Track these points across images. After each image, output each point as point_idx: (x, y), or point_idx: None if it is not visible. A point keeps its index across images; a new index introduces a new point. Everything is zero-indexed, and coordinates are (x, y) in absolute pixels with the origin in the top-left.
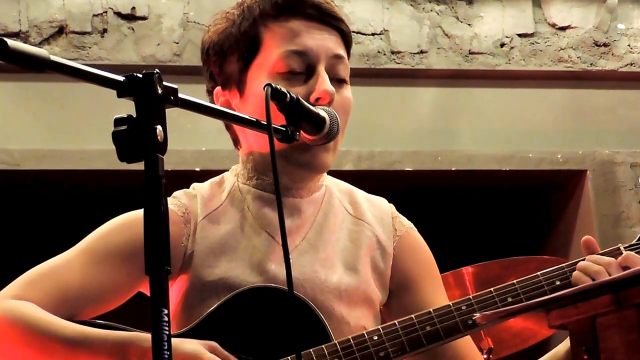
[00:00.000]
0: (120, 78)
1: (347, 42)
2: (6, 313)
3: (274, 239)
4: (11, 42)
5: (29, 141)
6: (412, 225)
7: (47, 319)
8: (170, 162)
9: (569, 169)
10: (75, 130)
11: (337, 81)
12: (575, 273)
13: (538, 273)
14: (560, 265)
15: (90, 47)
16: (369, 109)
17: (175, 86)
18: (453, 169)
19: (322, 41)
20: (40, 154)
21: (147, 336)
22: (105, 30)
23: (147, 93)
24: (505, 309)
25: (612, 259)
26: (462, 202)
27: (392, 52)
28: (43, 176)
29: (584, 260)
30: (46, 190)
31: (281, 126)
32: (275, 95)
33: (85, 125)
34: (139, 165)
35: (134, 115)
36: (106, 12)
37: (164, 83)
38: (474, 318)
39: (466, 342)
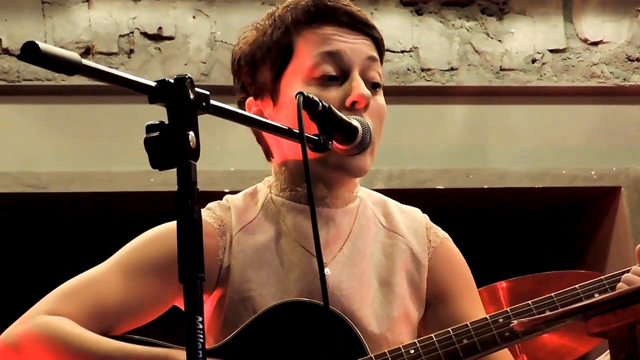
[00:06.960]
0: (152, 83)
1: (379, 49)
2: (41, 329)
3: (310, 252)
4: (43, 45)
5: (56, 164)
6: (446, 235)
7: (82, 335)
8: (199, 182)
9: (603, 186)
10: (102, 153)
11: (371, 86)
12: (619, 285)
13: (576, 286)
14: (599, 278)
15: (117, 68)
16: (399, 127)
17: (207, 92)
18: (485, 186)
19: (355, 45)
20: (67, 177)
21: (183, 352)
22: (132, 51)
23: (179, 98)
24: (543, 316)
25: None
26: (495, 220)
27: (422, 70)
28: (70, 199)
29: (628, 271)
30: (73, 213)
31: (314, 135)
32: (307, 103)
33: (111, 148)
34: (166, 187)
35: (166, 122)
36: (132, 32)
37: (196, 89)
38: (511, 324)
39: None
